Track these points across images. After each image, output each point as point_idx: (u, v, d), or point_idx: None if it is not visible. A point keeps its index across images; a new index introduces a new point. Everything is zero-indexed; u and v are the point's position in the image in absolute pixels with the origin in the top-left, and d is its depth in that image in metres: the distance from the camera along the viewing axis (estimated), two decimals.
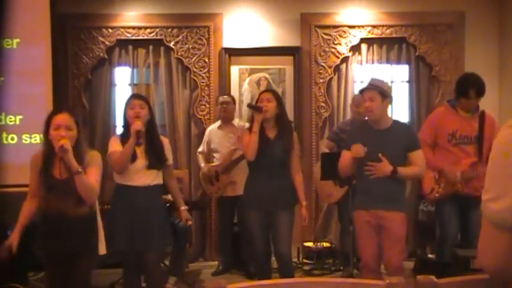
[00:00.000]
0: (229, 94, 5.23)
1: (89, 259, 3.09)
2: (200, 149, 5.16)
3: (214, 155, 5.00)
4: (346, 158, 3.57)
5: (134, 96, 3.78)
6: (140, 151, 3.48)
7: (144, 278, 3.72)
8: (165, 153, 3.58)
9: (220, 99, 5.06)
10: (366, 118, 3.61)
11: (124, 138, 3.49)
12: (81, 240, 3.00)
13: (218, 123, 5.10)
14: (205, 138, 5.12)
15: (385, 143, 3.46)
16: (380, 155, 3.42)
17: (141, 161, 3.47)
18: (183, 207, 3.73)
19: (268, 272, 3.91)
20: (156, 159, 3.50)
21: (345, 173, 3.71)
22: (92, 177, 2.99)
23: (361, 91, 3.62)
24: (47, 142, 2.97)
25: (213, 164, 4.98)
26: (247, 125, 4.92)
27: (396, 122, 3.63)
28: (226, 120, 5.00)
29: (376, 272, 3.49)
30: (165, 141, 3.68)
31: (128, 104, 3.53)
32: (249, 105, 4.27)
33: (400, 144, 3.48)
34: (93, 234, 3.08)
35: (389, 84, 3.85)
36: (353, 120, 4.92)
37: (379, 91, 3.46)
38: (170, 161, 3.67)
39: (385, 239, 3.45)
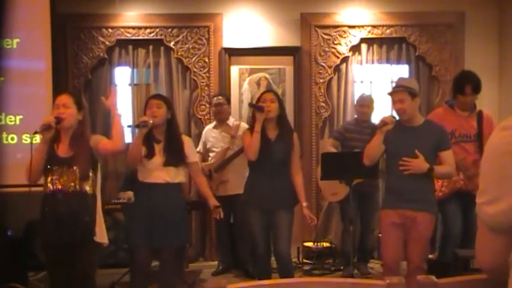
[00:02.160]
0: (222, 94, 5.19)
1: (88, 245, 3.08)
2: (197, 149, 5.16)
3: (210, 154, 5.01)
4: (375, 139, 3.52)
5: (153, 96, 3.83)
6: (158, 149, 3.53)
7: (158, 274, 3.71)
8: (184, 151, 3.61)
9: (214, 100, 5.04)
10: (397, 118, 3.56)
11: (145, 138, 3.55)
12: (79, 220, 3.02)
13: (214, 123, 5.10)
14: (202, 138, 5.13)
15: (416, 140, 3.44)
16: (416, 151, 3.38)
17: (158, 159, 3.52)
18: (214, 204, 3.74)
19: (268, 272, 3.91)
20: (173, 157, 3.53)
21: (371, 156, 3.58)
22: (106, 142, 3.26)
23: (391, 93, 3.58)
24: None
25: (208, 163, 4.98)
26: (243, 124, 4.93)
27: (428, 121, 3.63)
28: (221, 120, 5.00)
29: (396, 273, 3.41)
30: (186, 139, 3.73)
31: (147, 104, 3.62)
32: (251, 105, 4.26)
33: (431, 143, 3.46)
34: (90, 216, 3.09)
35: (416, 81, 3.82)
36: (357, 120, 4.93)
37: (408, 91, 3.44)
38: (194, 159, 3.72)
39: (411, 239, 3.43)
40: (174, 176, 3.57)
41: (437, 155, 3.49)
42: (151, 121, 3.46)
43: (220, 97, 5.05)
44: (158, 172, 3.52)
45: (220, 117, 4.99)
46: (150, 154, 3.50)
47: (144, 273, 3.61)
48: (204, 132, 5.16)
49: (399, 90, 3.48)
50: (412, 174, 3.38)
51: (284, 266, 3.80)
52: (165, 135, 3.57)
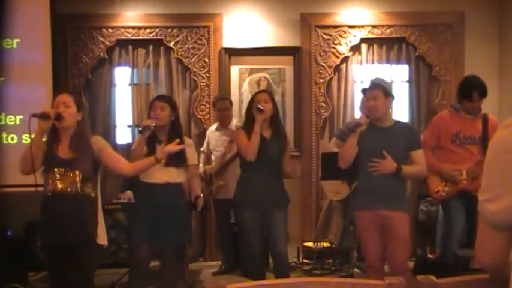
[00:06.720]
0: (226, 97, 5.16)
1: (90, 247, 3.05)
2: (202, 149, 5.15)
3: (212, 156, 5.03)
4: (349, 141, 3.54)
5: (157, 97, 3.83)
6: (160, 149, 3.51)
7: (159, 274, 3.72)
8: (185, 153, 3.61)
9: (219, 104, 5.02)
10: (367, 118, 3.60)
11: (148, 138, 3.56)
12: (81, 222, 3.00)
13: (216, 124, 5.11)
14: (206, 138, 5.15)
15: (388, 141, 3.45)
16: (384, 152, 3.40)
17: None
18: (198, 194, 3.88)
19: (262, 272, 3.92)
20: (175, 158, 3.52)
21: (346, 158, 3.57)
22: (116, 157, 3.22)
23: (364, 90, 3.60)
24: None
25: (210, 166, 5.00)
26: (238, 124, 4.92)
27: (398, 122, 3.64)
28: (225, 123, 5.01)
29: (381, 272, 3.46)
30: (189, 141, 3.76)
31: (151, 106, 3.64)
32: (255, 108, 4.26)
33: (403, 143, 3.48)
34: (92, 218, 3.07)
35: (391, 82, 3.83)
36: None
37: (383, 90, 3.46)
38: (193, 161, 3.77)
39: (390, 239, 3.44)
40: (174, 176, 3.60)
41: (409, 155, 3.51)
42: (153, 124, 3.47)
43: (225, 101, 5.03)
44: (159, 172, 3.53)
45: (223, 122, 5.00)
46: (152, 154, 3.47)
47: (144, 273, 3.61)
48: (208, 132, 5.18)
49: (373, 88, 3.50)
50: (380, 175, 3.41)
51: (281, 266, 3.80)
52: (167, 136, 3.57)
